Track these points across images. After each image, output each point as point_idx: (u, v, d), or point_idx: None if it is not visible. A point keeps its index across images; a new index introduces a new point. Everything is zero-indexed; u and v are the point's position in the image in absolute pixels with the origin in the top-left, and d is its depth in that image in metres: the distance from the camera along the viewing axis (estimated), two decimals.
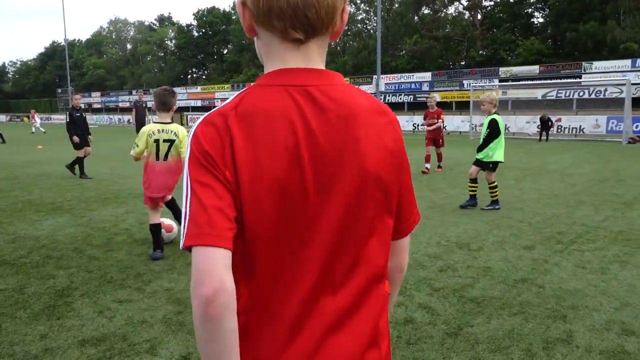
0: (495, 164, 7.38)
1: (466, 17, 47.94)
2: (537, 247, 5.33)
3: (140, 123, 17.25)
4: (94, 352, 3.08)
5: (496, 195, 7.41)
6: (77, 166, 11.14)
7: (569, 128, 25.26)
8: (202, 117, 0.96)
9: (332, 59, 54.12)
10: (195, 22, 69.08)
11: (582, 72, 31.86)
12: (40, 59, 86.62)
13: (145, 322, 3.51)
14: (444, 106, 37.48)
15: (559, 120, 25.38)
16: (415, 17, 49.79)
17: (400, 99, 39.10)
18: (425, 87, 38.45)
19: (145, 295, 4.02)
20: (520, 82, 30.29)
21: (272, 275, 0.96)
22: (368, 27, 54.83)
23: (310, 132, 0.94)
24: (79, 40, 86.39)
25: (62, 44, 75.79)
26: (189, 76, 71.50)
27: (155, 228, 5.02)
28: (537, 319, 3.55)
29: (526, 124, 25.57)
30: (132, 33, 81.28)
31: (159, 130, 4.80)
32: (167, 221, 5.48)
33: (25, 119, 60.86)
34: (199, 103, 50.42)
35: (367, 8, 54.91)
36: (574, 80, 30.13)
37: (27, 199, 8.34)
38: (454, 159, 14.69)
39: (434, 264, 4.77)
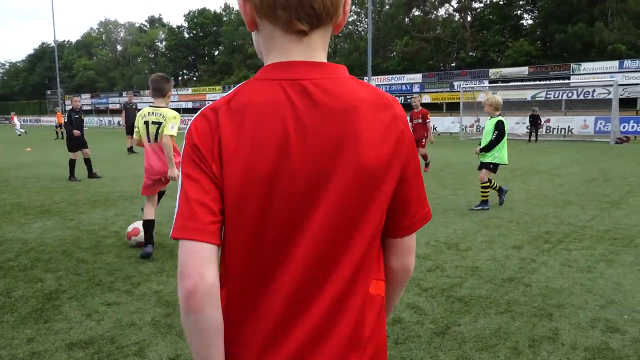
0: (497, 165, 7.43)
1: (456, 19, 48.26)
2: (525, 247, 5.38)
3: (130, 125, 17.18)
4: (81, 355, 3.07)
5: (487, 196, 7.46)
6: (88, 167, 11.28)
7: (558, 129, 25.47)
8: (200, 110, 0.99)
9: None
10: (186, 24, 68.97)
11: (571, 73, 32.20)
12: (30, 60, 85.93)
13: (133, 324, 3.51)
14: (435, 107, 37.74)
15: (548, 121, 25.58)
16: (406, 19, 50.04)
17: None
18: (416, 89, 38.62)
19: (134, 297, 4.01)
20: (510, 84, 30.53)
21: (256, 271, 0.96)
22: (359, 28, 54.99)
23: (302, 127, 0.92)
24: (68, 41, 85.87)
25: (51, 45, 75.38)
26: (180, 78, 71.29)
27: (148, 224, 5.03)
28: (524, 317, 3.58)
29: (516, 124, 25.73)
30: (122, 34, 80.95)
31: (149, 113, 5.01)
32: (136, 224, 5.45)
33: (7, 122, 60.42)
34: (190, 105, 50.26)
35: (358, 10, 55.05)
36: (563, 82, 30.44)
37: (15, 201, 8.27)
38: (444, 159, 14.76)
39: (422, 264, 4.80)
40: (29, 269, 4.74)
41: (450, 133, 28.58)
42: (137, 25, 79.26)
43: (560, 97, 30.76)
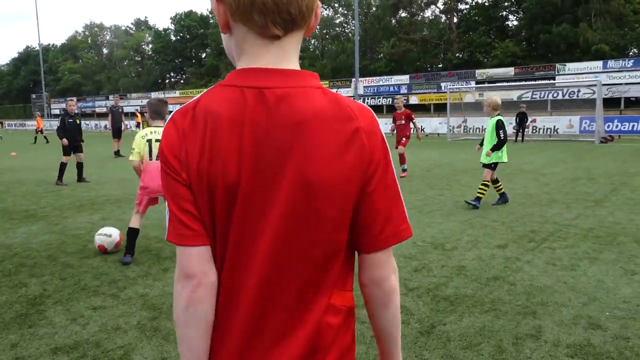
0: (497, 164, 7.61)
1: (443, 21, 48.57)
2: (509, 246, 5.44)
3: (116, 128, 17.10)
4: (66, 359, 3.05)
5: (483, 195, 7.59)
6: (79, 171, 11.18)
7: (544, 129, 25.75)
8: (174, 111, 1.00)
9: (311, 62, 54.23)
10: (172, 26, 68.65)
11: (556, 73, 32.56)
12: (14, 64, 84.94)
13: (119, 328, 3.49)
14: (422, 108, 37.95)
15: (534, 121, 25.84)
16: (393, 21, 50.24)
17: (379, 101, 39.38)
18: (403, 90, 38.80)
19: (120, 301, 4.00)
20: (496, 84, 30.79)
21: (219, 286, 0.99)
22: (346, 30, 55.15)
23: (256, 139, 0.93)
24: (53, 44, 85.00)
25: (36, 48, 74.56)
26: (167, 81, 70.92)
27: (133, 232, 5.00)
28: (508, 315, 3.63)
29: None
30: (108, 37, 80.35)
31: (151, 132, 5.04)
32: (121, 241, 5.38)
33: None
34: (177, 107, 49.92)
35: (345, 11, 55.23)
36: (548, 82, 30.77)
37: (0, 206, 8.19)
38: (432, 160, 14.86)
39: (409, 265, 4.84)
40: (13, 274, 4.70)
41: (438, 134, 28.75)
42: (123, 28, 78.73)
43: (545, 97, 31.10)
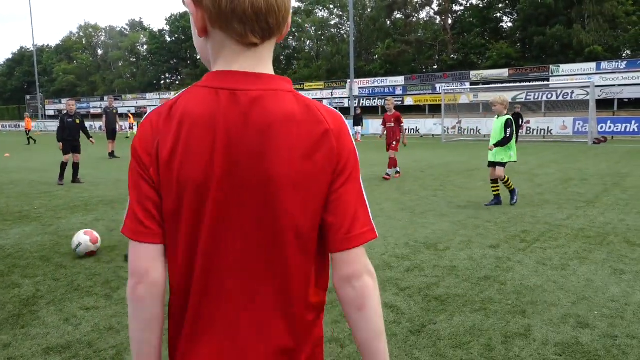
0: (505, 163, 7.74)
1: (437, 22, 48.71)
2: (501, 246, 5.48)
3: (110, 129, 17.07)
4: (58, 359, 3.07)
5: (511, 186, 7.82)
6: (74, 171, 11.23)
7: (538, 130, 25.88)
8: (150, 111, 1.03)
9: (306, 63, 54.34)
10: (167, 27, 68.50)
11: (550, 75, 32.75)
12: (8, 65, 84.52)
13: (111, 328, 3.51)
14: (417, 109, 38.08)
15: (528, 122, 25.97)
16: (388, 22, 50.35)
17: (374, 103, 39.48)
18: (398, 91, 38.91)
19: (113, 302, 4.01)
20: (491, 85, 30.93)
21: (189, 280, 1.00)
22: (341, 31, 55.21)
23: (228, 138, 0.96)
24: (48, 45, 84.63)
25: (30, 49, 74.26)
26: (162, 82, 70.78)
27: None
28: (498, 314, 3.66)
29: None
30: (102, 38, 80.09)
31: None
32: (96, 233, 5.36)
33: None
34: None
35: (340, 13, 55.30)
36: (542, 83, 30.93)
37: None
38: (426, 161, 14.92)
39: (401, 265, 4.87)
40: (6, 275, 4.70)
41: (433, 135, 28.84)
42: (117, 29, 78.52)
43: (540, 99, 31.27)
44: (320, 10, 57.64)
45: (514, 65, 37.71)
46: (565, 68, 32.49)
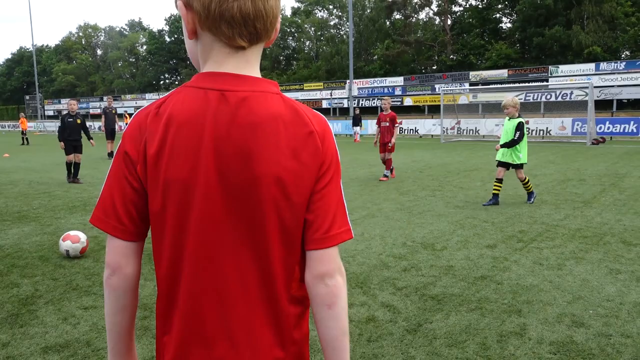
0: (522, 164, 7.90)
1: (437, 23, 48.77)
2: (498, 246, 5.51)
3: (109, 129, 17.08)
4: (56, 358, 3.09)
5: (530, 187, 8.06)
6: (74, 171, 11.32)
7: (536, 130, 25.89)
8: (140, 109, 1.06)
9: (305, 64, 54.36)
10: (167, 27, 68.52)
11: (549, 75, 32.80)
12: (7, 65, 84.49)
13: None
14: (417, 110, 38.12)
15: (527, 122, 25.96)
16: (387, 22, 50.39)
17: (374, 103, 39.50)
18: (398, 92, 38.96)
19: None
20: (490, 86, 30.97)
21: (177, 276, 1.03)
22: (341, 32, 55.24)
23: (217, 137, 0.98)
24: (47, 45, 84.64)
25: (29, 49, 74.22)
26: (162, 82, 70.76)
27: None
28: (494, 314, 3.69)
29: (495, 126, 26.10)
30: (102, 38, 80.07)
31: None
32: (73, 232, 5.33)
33: None
34: None
35: (340, 13, 55.34)
36: (541, 84, 30.97)
37: None
38: (424, 161, 14.94)
39: (398, 264, 4.90)
40: (5, 275, 4.72)
41: (432, 135, 28.87)
42: (117, 29, 78.50)
43: (539, 99, 31.29)
44: (320, 11, 57.69)
45: (513, 66, 37.77)
46: (564, 69, 32.55)
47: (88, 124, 13.22)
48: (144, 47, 72.32)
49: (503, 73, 35.31)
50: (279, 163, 0.99)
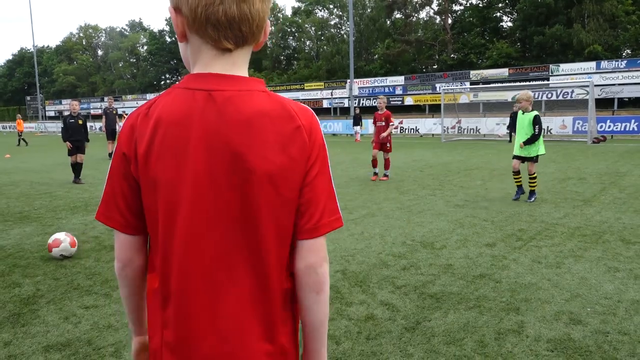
0: (537, 157, 8.05)
1: (437, 22, 48.72)
2: (497, 245, 5.53)
3: (110, 130, 17.12)
4: (58, 357, 3.12)
5: (535, 186, 8.15)
6: (77, 172, 11.39)
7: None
8: (135, 109, 1.10)
9: (306, 63, 54.36)
10: (167, 28, 68.55)
11: (550, 74, 32.76)
12: (8, 65, 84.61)
13: (111, 326, 3.56)
14: (418, 109, 38.10)
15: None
16: (388, 22, 50.38)
17: (374, 102, 39.45)
18: (398, 91, 38.95)
19: (112, 300, 4.06)
20: (491, 85, 30.95)
21: (166, 265, 1.07)
22: (341, 31, 55.22)
23: (206, 136, 1.01)
24: (48, 46, 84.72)
25: (30, 50, 74.39)
26: (162, 82, 70.81)
27: None
28: (492, 312, 3.71)
29: (496, 125, 26.12)
30: (103, 39, 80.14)
31: None
32: (51, 239, 5.25)
33: None
34: None
35: (340, 13, 55.31)
36: (542, 83, 30.94)
37: None
38: (425, 160, 14.96)
39: (397, 263, 4.92)
40: (7, 275, 4.76)
41: (433, 135, 28.88)
42: (117, 29, 78.58)
43: (540, 98, 31.23)
44: (320, 10, 57.67)
45: (513, 65, 37.74)
46: (565, 67, 32.51)
47: (89, 124, 13.29)
48: (145, 47, 72.38)
49: (504, 72, 35.28)
50: (268, 158, 1.02)
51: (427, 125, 30.06)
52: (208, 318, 1.05)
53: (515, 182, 8.25)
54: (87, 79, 73.35)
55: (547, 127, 25.62)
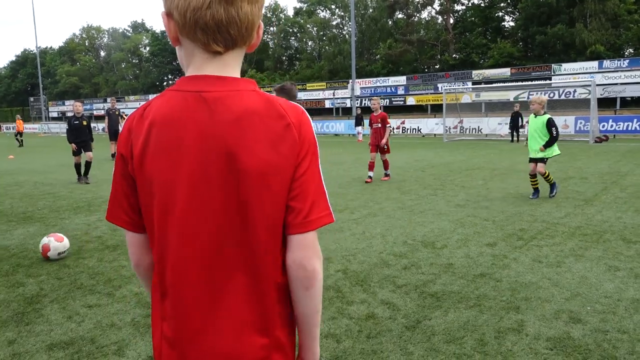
0: (548, 158, 8.21)
1: (439, 22, 48.71)
2: (498, 244, 5.54)
3: (113, 131, 17.17)
4: (61, 355, 3.16)
5: (551, 180, 8.34)
6: (85, 170, 11.54)
7: None
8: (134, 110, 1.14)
9: (308, 64, 54.40)
10: None
11: (552, 74, 32.71)
12: (12, 67, 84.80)
13: (113, 325, 3.59)
14: (420, 109, 38.10)
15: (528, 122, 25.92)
16: (390, 22, 50.38)
17: None
18: (400, 91, 38.95)
19: (115, 299, 4.10)
20: (493, 85, 30.93)
21: (162, 261, 1.11)
22: (343, 32, 55.25)
23: (197, 135, 1.04)
24: (51, 47, 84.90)
25: (33, 51, 74.53)
26: (165, 83, 70.89)
27: None
28: (492, 310, 3.73)
29: (498, 125, 26.10)
30: (105, 40, 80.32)
31: None
32: (42, 244, 5.22)
33: None
34: None
35: (342, 13, 55.33)
36: (544, 82, 30.90)
37: None
38: (427, 160, 14.97)
39: (398, 262, 4.94)
40: (11, 274, 4.80)
41: (435, 135, 28.88)
42: (120, 30, 78.75)
43: None
44: (322, 11, 57.70)
45: (515, 65, 37.70)
46: (567, 67, 32.46)
47: (92, 125, 13.37)
48: (147, 48, 72.47)
49: (506, 72, 35.24)
50: (259, 156, 1.05)
51: (429, 125, 30.05)
52: (203, 312, 1.08)
53: (532, 185, 8.33)
54: (90, 80, 73.51)
55: None
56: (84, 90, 71.48)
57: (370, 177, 10.71)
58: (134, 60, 73.43)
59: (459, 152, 18.00)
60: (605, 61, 31.66)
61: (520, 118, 23.00)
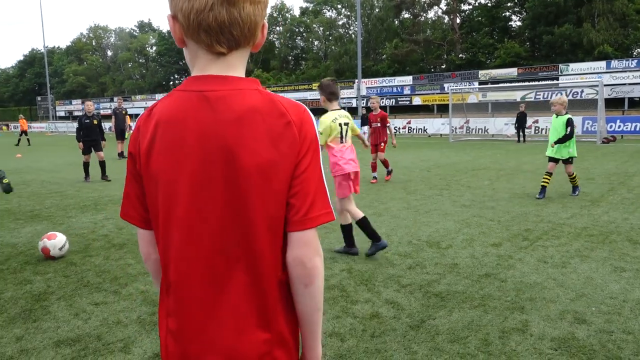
0: (572, 158, 8.35)
1: (445, 21, 48.56)
2: (503, 244, 5.54)
3: (119, 130, 17.26)
4: (68, 352, 3.19)
5: (577, 181, 8.56)
6: (101, 169, 11.78)
7: (546, 129, 25.72)
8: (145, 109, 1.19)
9: (314, 63, 54.41)
10: None
11: (559, 74, 32.54)
12: (19, 66, 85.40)
13: (120, 322, 3.62)
14: (426, 109, 38.02)
15: (537, 121, 25.86)
16: (396, 22, 50.30)
17: (382, 102, 39.37)
18: (406, 91, 38.88)
19: (121, 297, 4.13)
20: (499, 85, 30.82)
21: (165, 257, 1.14)
22: (349, 31, 55.20)
23: (199, 133, 1.07)
24: (58, 47, 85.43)
25: (41, 51, 75.00)
26: (171, 83, 71.12)
27: (363, 221, 5.21)
28: (496, 310, 3.73)
29: (504, 125, 26.01)
30: (112, 40, 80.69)
31: (338, 116, 5.23)
32: (40, 248, 5.22)
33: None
34: None
35: (348, 13, 55.28)
36: (552, 82, 30.75)
37: (5, 207, 8.35)
38: (432, 160, 14.95)
39: (403, 262, 4.95)
40: (19, 272, 4.84)
41: (441, 135, 28.82)
42: (127, 30, 79.10)
43: (549, 98, 30.99)
44: (328, 11, 57.68)
45: (522, 65, 37.53)
46: (574, 67, 32.28)
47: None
48: (154, 48, 72.69)
49: (513, 72, 35.09)
50: (259, 153, 1.06)
51: (435, 125, 30.00)
52: (205, 309, 1.10)
53: (543, 182, 8.37)
54: (97, 79, 73.86)
55: None
56: (91, 90, 71.83)
57: (375, 177, 10.70)
58: (140, 60, 73.69)
59: (465, 152, 17.95)
60: (613, 61, 31.45)
61: (525, 118, 22.91)
